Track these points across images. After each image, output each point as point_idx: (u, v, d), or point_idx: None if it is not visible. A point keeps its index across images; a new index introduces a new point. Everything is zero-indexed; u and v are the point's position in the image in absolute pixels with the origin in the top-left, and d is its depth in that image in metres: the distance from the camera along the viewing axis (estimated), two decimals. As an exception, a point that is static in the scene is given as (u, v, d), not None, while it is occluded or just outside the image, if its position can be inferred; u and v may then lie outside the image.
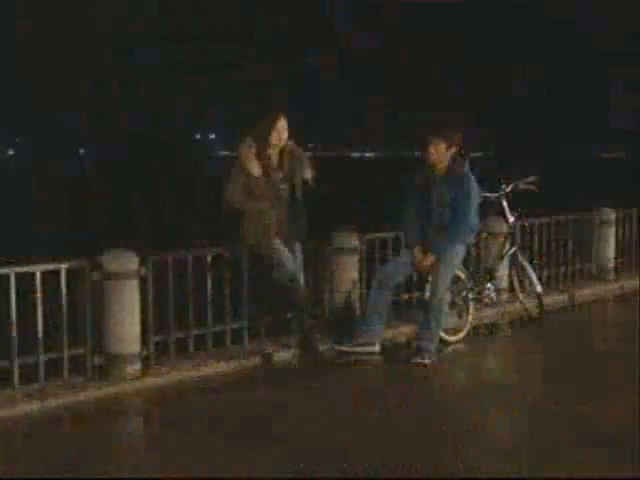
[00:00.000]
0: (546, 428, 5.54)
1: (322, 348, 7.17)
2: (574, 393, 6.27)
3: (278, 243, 6.90)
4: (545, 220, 9.66)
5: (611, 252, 10.33)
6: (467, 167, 7.41)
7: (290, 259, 6.91)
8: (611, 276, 10.32)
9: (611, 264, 10.33)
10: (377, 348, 7.34)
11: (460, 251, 7.38)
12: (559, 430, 5.49)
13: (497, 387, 6.57)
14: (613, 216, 10.32)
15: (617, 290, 10.14)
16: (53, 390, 6.04)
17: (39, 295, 6.09)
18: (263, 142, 6.88)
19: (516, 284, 8.64)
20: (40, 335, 6.13)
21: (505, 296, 8.90)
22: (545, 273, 9.60)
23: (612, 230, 10.32)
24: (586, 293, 9.81)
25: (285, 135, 6.92)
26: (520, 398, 6.22)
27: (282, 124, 6.91)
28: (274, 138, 6.89)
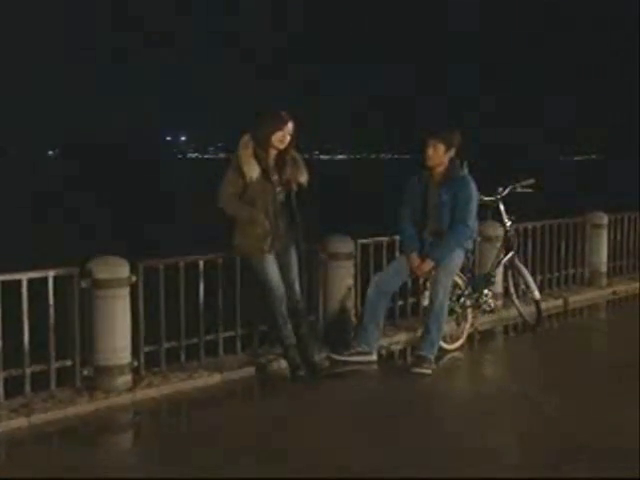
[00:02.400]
0: (552, 439, 5.36)
1: (317, 357, 6.89)
2: (580, 404, 6.09)
3: (271, 262, 6.58)
4: (538, 224, 9.49)
5: (604, 256, 10.17)
6: (466, 170, 7.20)
7: (280, 285, 6.60)
8: (603, 281, 10.15)
9: (604, 269, 10.17)
10: (374, 357, 7.09)
11: (459, 257, 7.16)
12: (563, 441, 5.33)
13: (501, 397, 6.34)
14: (605, 220, 10.16)
15: (610, 295, 9.98)
16: (40, 404, 5.73)
17: (25, 304, 5.78)
18: (263, 142, 6.59)
19: (512, 290, 8.44)
20: (26, 346, 5.81)
21: (500, 302, 8.70)
22: (538, 278, 9.41)
23: (604, 234, 10.17)
24: (580, 298, 9.64)
25: (288, 139, 6.63)
26: (526, 408, 6.03)
27: (290, 128, 6.60)
28: (277, 140, 6.59)
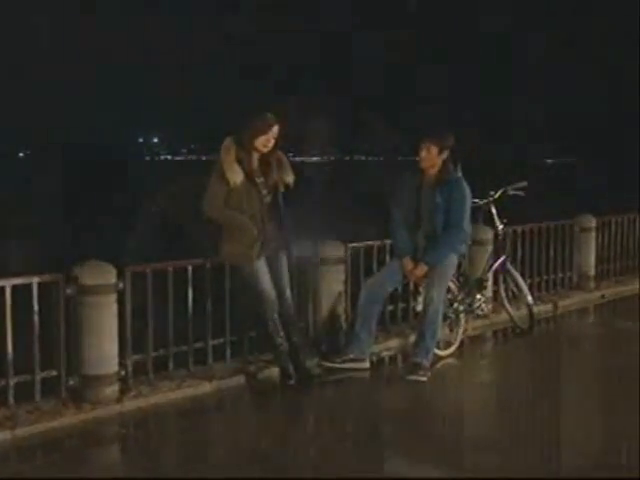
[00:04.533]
0: (551, 441, 5.35)
1: (309, 364, 6.70)
2: (580, 406, 6.02)
3: (261, 268, 6.37)
4: (527, 227, 9.38)
5: (592, 260, 10.08)
6: (460, 172, 7.05)
7: (272, 291, 6.41)
8: (592, 284, 10.06)
9: (592, 272, 10.07)
10: (367, 364, 6.93)
11: (454, 261, 7.02)
12: (563, 443, 5.32)
13: (500, 403, 6.23)
14: (594, 223, 10.07)
15: (599, 299, 9.89)
16: (24, 416, 5.50)
17: (8, 312, 5.55)
18: (246, 145, 6.37)
19: (503, 294, 8.32)
20: (10, 355, 5.58)
21: (490, 306, 8.56)
22: (527, 281, 9.28)
23: (592, 237, 10.07)
24: (569, 302, 9.53)
25: (272, 143, 6.38)
26: (529, 417, 5.90)
27: (275, 131, 6.35)
28: (261, 144, 6.35)
